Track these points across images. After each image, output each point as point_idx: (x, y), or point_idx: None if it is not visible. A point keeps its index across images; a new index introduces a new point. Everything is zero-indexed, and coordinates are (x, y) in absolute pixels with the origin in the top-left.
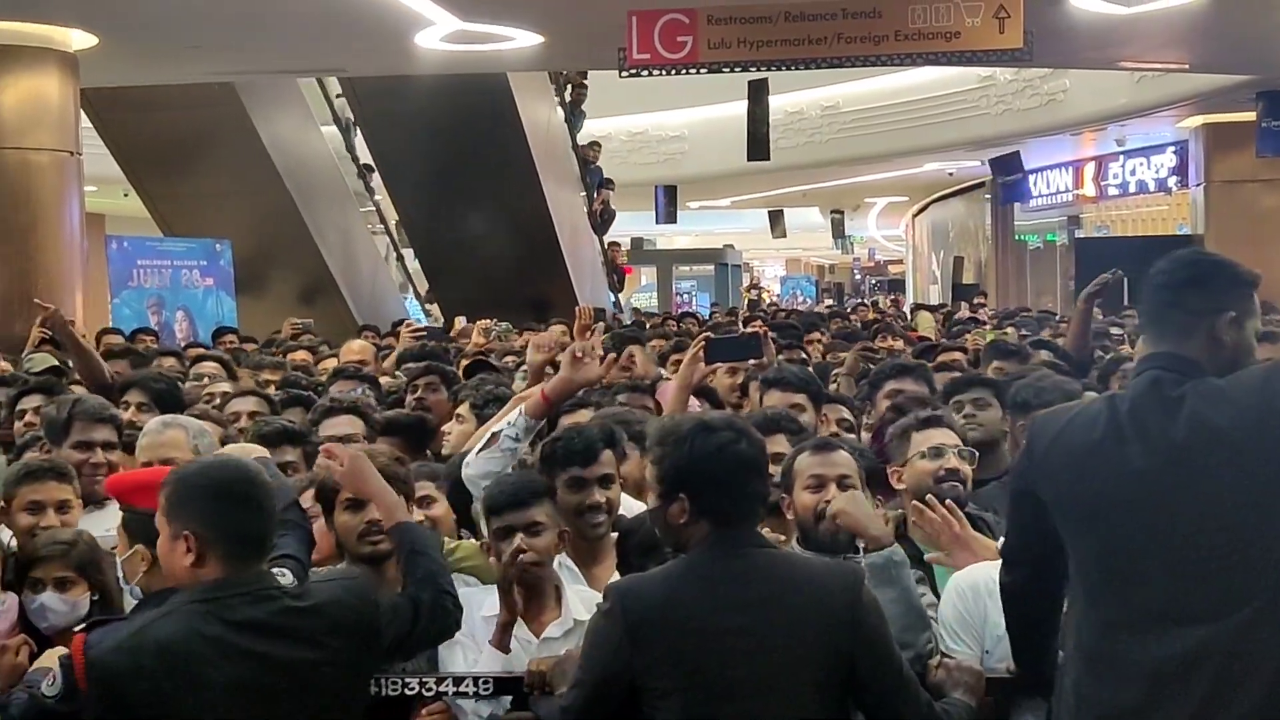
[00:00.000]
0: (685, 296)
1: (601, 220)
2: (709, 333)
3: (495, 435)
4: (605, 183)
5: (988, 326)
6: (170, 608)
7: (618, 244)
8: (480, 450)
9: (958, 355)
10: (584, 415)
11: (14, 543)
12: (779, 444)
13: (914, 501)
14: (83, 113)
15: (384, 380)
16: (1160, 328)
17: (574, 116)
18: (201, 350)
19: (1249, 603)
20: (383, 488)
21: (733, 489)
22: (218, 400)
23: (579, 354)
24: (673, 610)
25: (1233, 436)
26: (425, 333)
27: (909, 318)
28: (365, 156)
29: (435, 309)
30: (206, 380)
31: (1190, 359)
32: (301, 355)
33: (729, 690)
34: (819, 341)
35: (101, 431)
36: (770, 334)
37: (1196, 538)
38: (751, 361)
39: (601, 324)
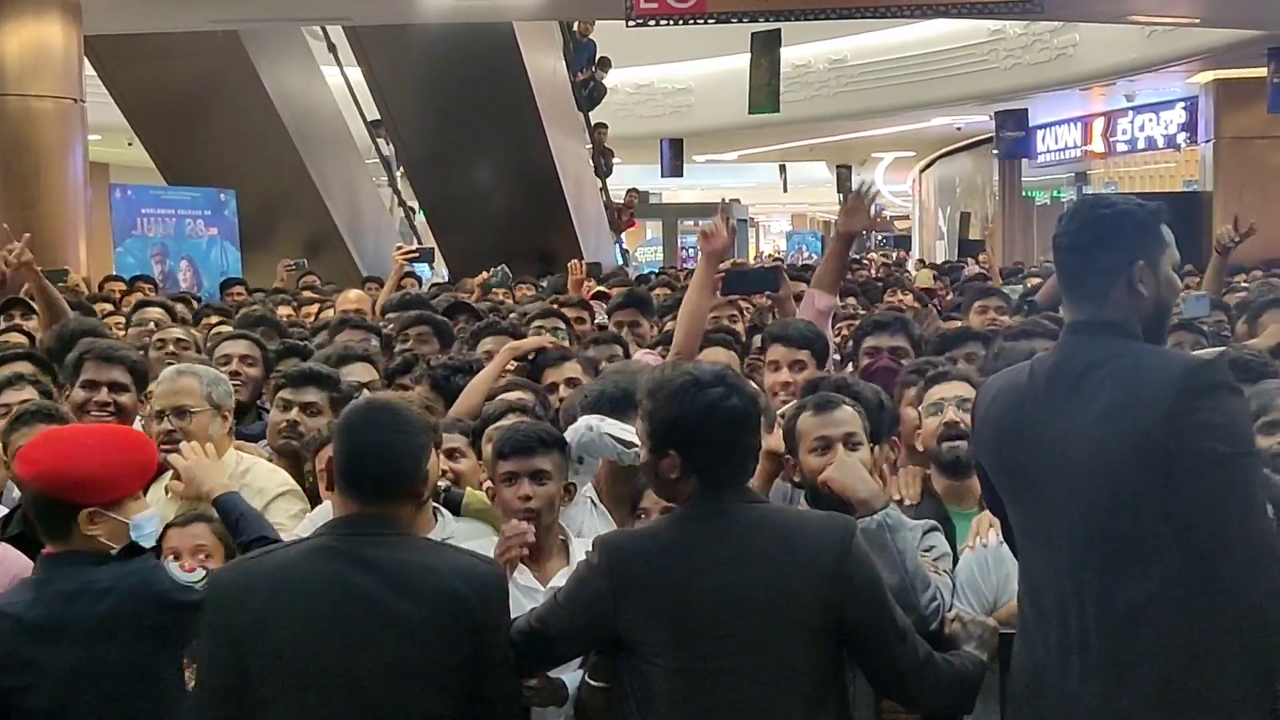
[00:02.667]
0: (691, 251)
1: (589, 97)
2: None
3: None
4: (601, 61)
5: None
6: (299, 541)
7: (604, 125)
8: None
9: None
10: (569, 368)
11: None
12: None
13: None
14: (86, 60)
15: None
16: (1076, 292)
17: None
18: (142, 297)
19: (1146, 582)
20: (218, 485)
21: (724, 446)
22: (171, 347)
23: None
24: (658, 567)
25: (1141, 421)
26: (417, 254)
27: (911, 275)
28: (370, 108)
29: (440, 262)
30: (152, 326)
31: (1110, 321)
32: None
33: (716, 646)
34: None
35: (111, 371)
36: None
37: (1099, 514)
38: (767, 295)
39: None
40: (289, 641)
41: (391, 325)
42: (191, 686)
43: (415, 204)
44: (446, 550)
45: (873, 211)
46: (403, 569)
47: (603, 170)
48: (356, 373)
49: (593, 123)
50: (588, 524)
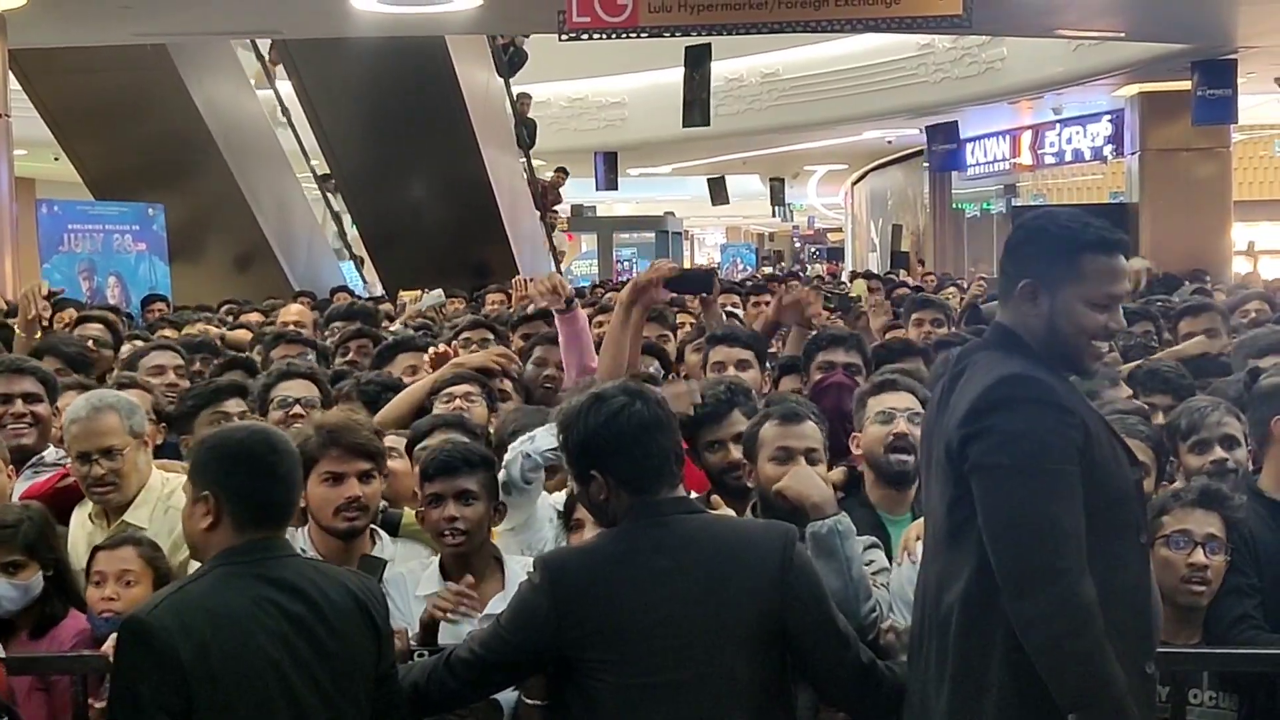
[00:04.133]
0: (626, 264)
1: (510, 63)
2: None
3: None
4: (524, 95)
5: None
6: (202, 571)
7: (528, 95)
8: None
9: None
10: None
11: None
12: (739, 423)
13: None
14: (11, 74)
15: None
16: (999, 289)
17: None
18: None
19: (957, 585)
20: None
21: (635, 452)
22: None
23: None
24: (598, 584)
25: (949, 430)
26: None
27: (847, 285)
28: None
29: (373, 276)
30: (91, 343)
31: (1007, 328)
32: (240, 334)
33: (659, 660)
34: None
35: (22, 383)
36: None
37: (934, 517)
38: (702, 296)
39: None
40: (231, 668)
41: (332, 338)
42: None
43: (349, 217)
44: (327, 569)
45: (808, 312)
46: (314, 587)
47: (524, 142)
48: (295, 389)
49: (515, 93)
50: (551, 544)
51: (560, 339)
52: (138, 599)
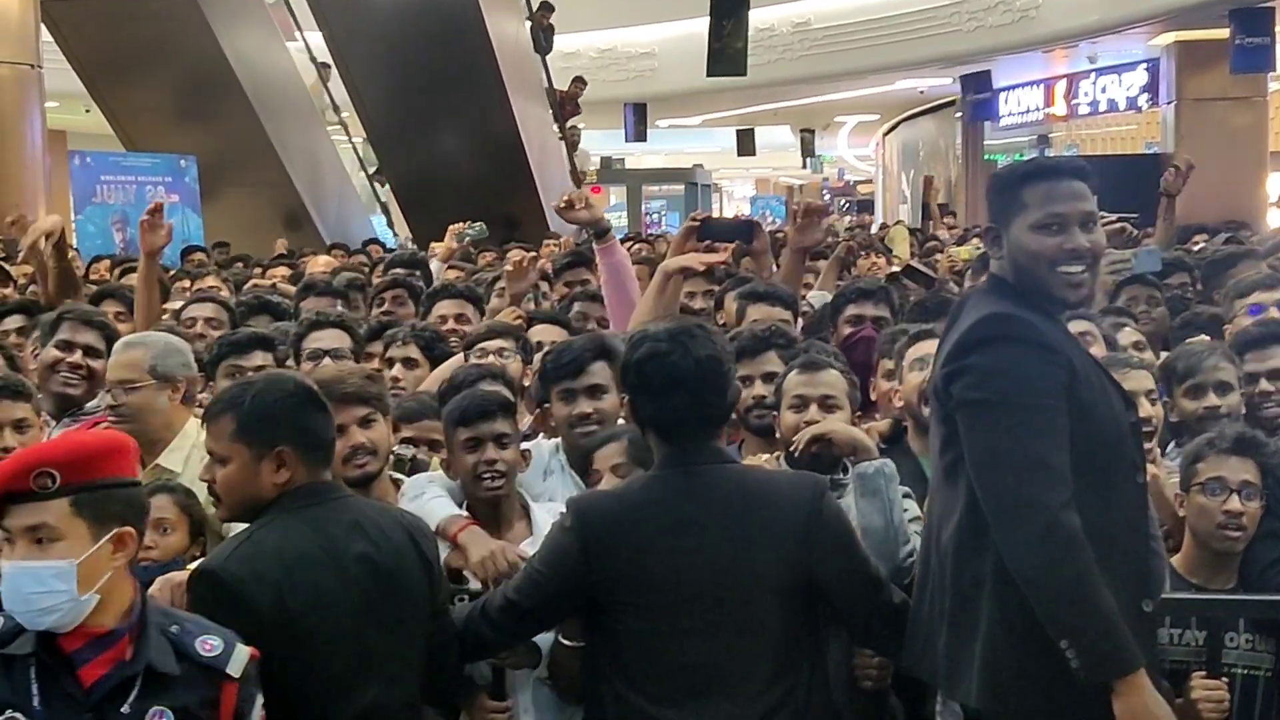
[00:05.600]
0: (655, 216)
1: (545, 41)
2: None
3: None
4: (544, 4)
5: (954, 245)
6: (270, 519)
7: (549, 6)
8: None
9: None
10: (554, 331)
11: None
12: (771, 362)
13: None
14: (43, 26)
15: None
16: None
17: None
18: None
19: (953, 515)
20: None
21: (659, 400)
22: (200, 327)
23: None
24: (628, 529)
25: (936, 370)
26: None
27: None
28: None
29: (404, 230)
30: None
31: (997, 277)
32: (282, 271)
33: (683, 606)
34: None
35: (87, 334)
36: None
37: (935, 452)
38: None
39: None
40: (306, 613)
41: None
42: None
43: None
44: (381, 507)
45: (824, 225)
46: (373, 525)
47: (543, 47)
48: (327, 339)
49: (535, 3)
50: (563, 493)
51: (602, 276)
52: (174, 546)
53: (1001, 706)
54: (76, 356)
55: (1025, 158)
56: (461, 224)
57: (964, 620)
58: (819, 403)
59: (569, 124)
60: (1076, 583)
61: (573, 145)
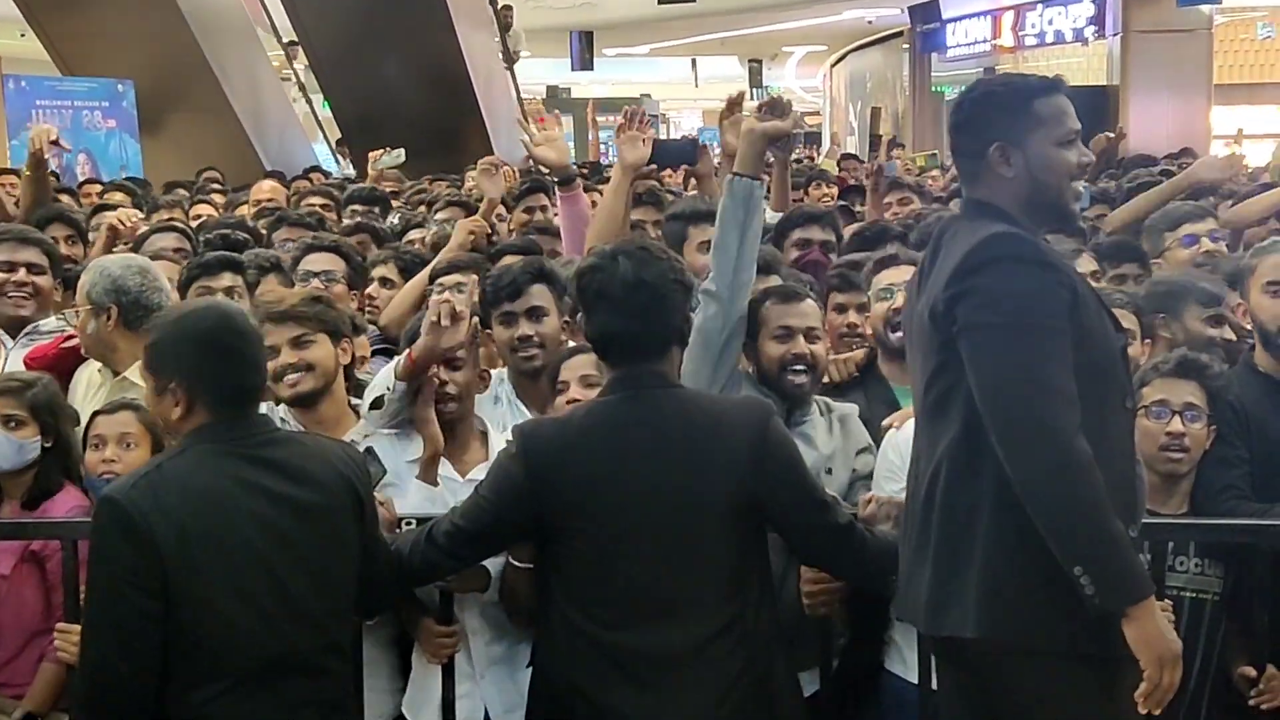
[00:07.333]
0: (603, 147)
1: None
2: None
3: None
4: None
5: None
6: (182, 447)
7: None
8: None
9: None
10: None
11: None
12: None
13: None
14: None
15: None
16: (959, 173)
17: None
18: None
19: (943, 444)
20: None
21: (598, 318)
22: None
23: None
24: (573, 455)
25: (934, 294)
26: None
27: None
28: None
29: (346, 157)
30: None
31: (979, 201)
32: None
33: (630, 531)
34: None
35: (26, 252)
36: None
37: (918, 385)
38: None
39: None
40: (210, 552)
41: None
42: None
43: (321, 97)
44: (311, 438)
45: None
46: (295, 463)
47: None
48: (318, 262)
49: None
50: (510, 422)
51: (562, 224)
52: (136, 462)
53: (1004, 633)
54: (20, 275)
55: None
56: (378, 151)
57: (956, 551)
58: (804, 334)
59: (500, 4)
60: (1093, 510)
61: (505, 27)
